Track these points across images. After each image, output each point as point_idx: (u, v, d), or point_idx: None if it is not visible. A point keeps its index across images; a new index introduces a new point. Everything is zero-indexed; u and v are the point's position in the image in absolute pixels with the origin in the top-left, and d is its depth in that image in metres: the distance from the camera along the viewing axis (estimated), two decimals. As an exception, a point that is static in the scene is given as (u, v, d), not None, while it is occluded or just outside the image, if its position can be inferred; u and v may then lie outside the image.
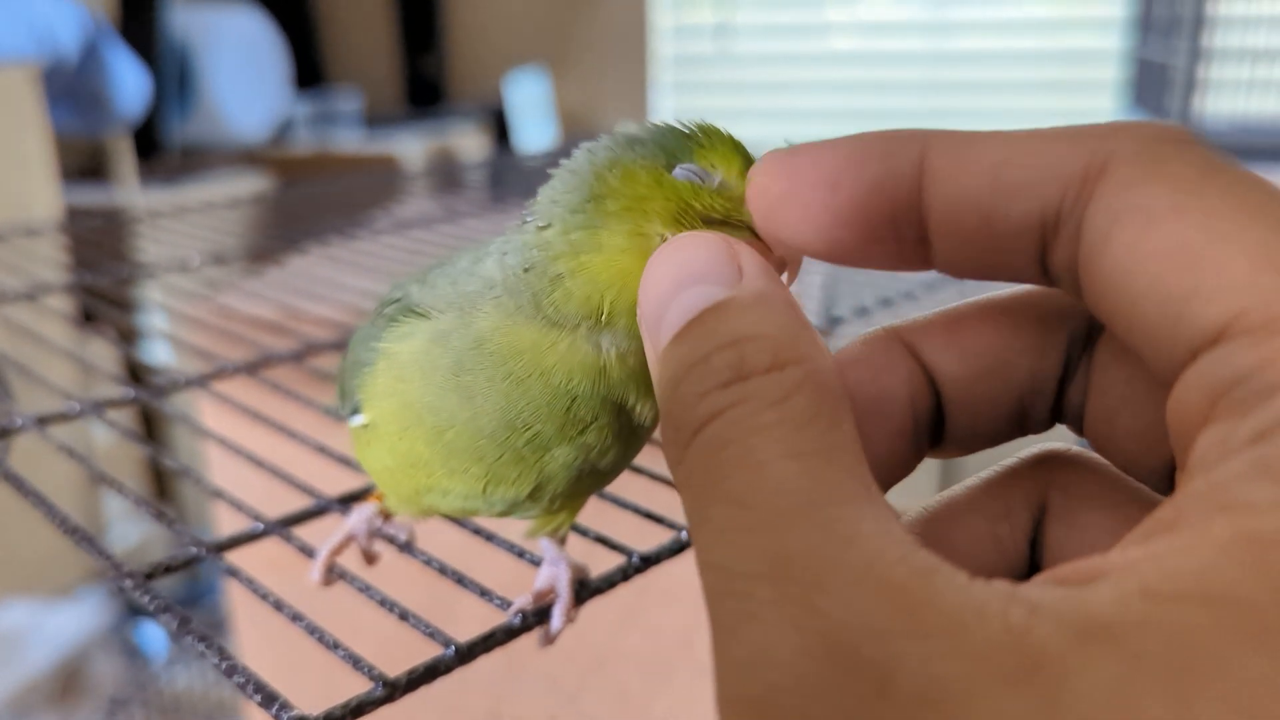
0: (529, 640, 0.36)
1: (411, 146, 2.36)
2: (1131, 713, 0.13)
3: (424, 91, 2.75)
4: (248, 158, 2.36)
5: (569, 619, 0.36)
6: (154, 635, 1.71)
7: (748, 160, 0.27)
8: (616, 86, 2.68)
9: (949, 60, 2.54)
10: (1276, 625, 0.13)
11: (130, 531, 1.88)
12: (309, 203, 1.06)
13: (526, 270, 0.29)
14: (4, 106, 1.62)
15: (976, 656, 0.14)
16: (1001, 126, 0.21)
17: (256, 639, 0.81)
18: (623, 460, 0.32)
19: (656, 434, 0.27)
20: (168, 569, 0.38)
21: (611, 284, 0.27)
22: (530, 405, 0.29)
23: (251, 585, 0.37)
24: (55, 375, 0.57)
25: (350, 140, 2.50)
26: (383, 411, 0.32)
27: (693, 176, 0.27)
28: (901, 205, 0.21)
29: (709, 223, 0.26)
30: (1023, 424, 0.23)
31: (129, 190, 2.02)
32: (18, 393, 0.74)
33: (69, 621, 1.56)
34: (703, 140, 0.27)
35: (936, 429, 0.23)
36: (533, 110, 2.58)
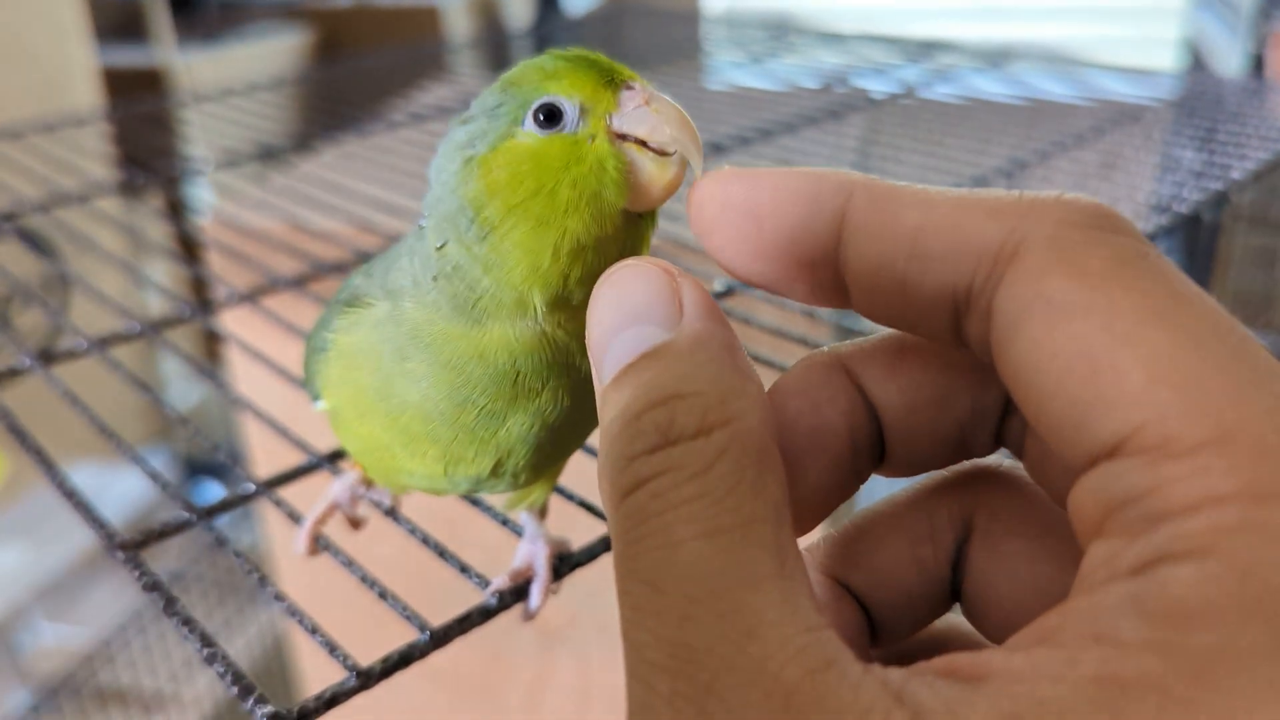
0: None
1: (453, -7, 2.29)
2: None
3: (464, -66, 2.65)
4: (286, 11, 2.31)
5: (550, 593, 0.37)
6: (213, 493, 1.78)
7: (603, 69, 0.25)
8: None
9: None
10: None
11: (190, 392, 1.94)
12: (336, 85, 1.04)
13: (435, 279, 0.28)
14: (34, -31, 1.58)
15: None
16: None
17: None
18: (584, 421, 0.31)
19: None
20: (160, 535, 0.39)
21: (534, 280, 0.26)
22: (475, 386, 0.29)
23: (239, 558, 0.37)
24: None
25: (390, -12, 2.43)
26: (340, 398, 0.32)
27: (545, 123, 0.25)
28: (820, 252, 0.21)
29: (592, 192, 0.25)
30: (964, 450, 0.23)
31: (166, 50, 1.99)
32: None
33: (134, 483, 1.62)
34: (547, 69, 0.26)
35: (879, 452, 0.23)
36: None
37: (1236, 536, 0.15)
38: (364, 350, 0.31)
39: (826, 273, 0.21)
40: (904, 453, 0.22)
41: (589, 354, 0.21)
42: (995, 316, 0.18)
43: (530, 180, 0.25)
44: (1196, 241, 1.62)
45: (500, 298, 0.27)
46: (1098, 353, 0.17)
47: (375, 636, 0.38)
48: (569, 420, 0.30)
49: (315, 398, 0.34)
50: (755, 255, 0.21)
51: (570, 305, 0.27)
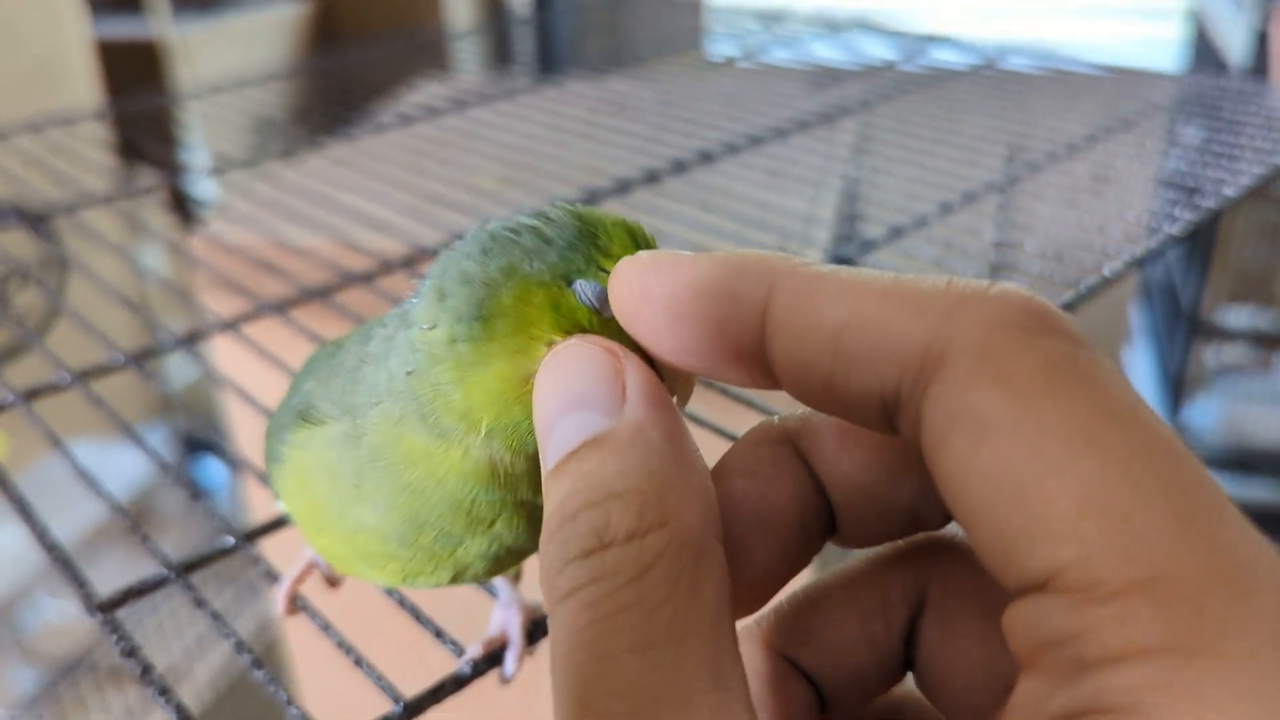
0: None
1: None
2: None
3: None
4: (282, -20, 2.28)
5: (525, 656, 0.37)
6: (214, 471, 1.79)
7: None
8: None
9: None
10: None
11: (188, 368, 1.94)
12: (331, 75, 1.03)
13: (409, 374, 0.27)
14: (25, -59, 1.56)
15: None
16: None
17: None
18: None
19: None
20: (138, 593, 0.39)
21: (490, 405, 0.26)
22: (433, 511, 0.28)
23: (216, 621, 0.38)
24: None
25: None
26: (297, 508, 0.32)
27: (589, 299, 0.25)
28: (744, 347, 0.20)
29: None
30: (917, 524, 0.22)
31: (162, 21, 1.98)
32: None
33: (134, 460, 1.63)
34: (608, 251, 0.25)
35: (830, 524, 0.22)
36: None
37: (1160, 695, 0.14)
38: (318, 469, 0.30)
39: (754, 365, 0.20)
40: (855, 527, 0.22)
41: (536, 433, 0.21)
42: (924, 425, 0.18)
43: (551, 325, 0.24)
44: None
45: (452, 402, 0.26)
46: (1025, 478, 0.16)
47: (358, 689, 0.39)
48: (525, 540, 0.30)
49: (277, 498, 0.34)
50: (680, 349, 0.21)
51: (524, 450, 0.26)
